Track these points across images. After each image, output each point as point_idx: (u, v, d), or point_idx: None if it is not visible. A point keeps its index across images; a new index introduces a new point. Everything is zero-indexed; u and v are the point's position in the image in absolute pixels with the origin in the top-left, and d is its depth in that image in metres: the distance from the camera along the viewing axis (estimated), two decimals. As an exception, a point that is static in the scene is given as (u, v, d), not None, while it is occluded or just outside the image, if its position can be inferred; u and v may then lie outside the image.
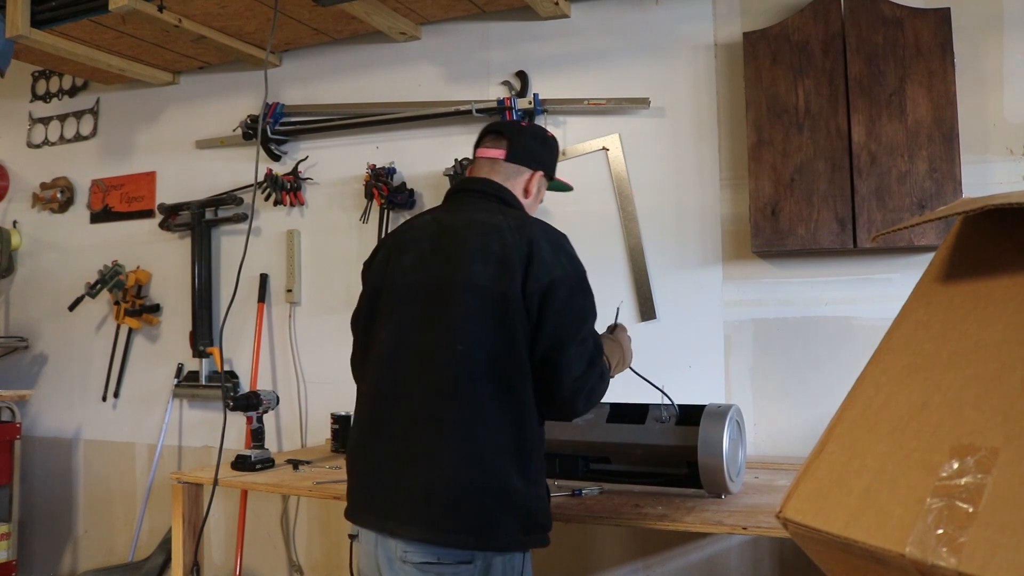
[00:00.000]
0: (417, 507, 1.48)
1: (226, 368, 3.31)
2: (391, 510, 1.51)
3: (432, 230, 1.66)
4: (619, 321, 1.93)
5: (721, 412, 1.90)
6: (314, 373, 3.19)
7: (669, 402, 1.99)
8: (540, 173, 1.78)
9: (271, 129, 3.20)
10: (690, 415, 1.96)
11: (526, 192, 1.76)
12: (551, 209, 2.82)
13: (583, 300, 1.60)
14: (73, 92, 3.81)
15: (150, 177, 3.58)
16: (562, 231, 1.67)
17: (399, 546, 1.49)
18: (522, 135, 1.79)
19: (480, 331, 1.52)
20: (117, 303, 3.49)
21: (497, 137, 1.77)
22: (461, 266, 1.56)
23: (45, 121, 3.88)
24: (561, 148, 2.79)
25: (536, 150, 1.78)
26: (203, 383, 3.33)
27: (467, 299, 1.53)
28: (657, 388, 1.98)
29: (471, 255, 1.56)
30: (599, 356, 1.60)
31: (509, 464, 1.50)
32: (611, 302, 2.72)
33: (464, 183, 1.76)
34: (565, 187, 1.92)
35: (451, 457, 1.48)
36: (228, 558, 3.29)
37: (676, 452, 1.94)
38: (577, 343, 1.54)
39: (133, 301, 3.46)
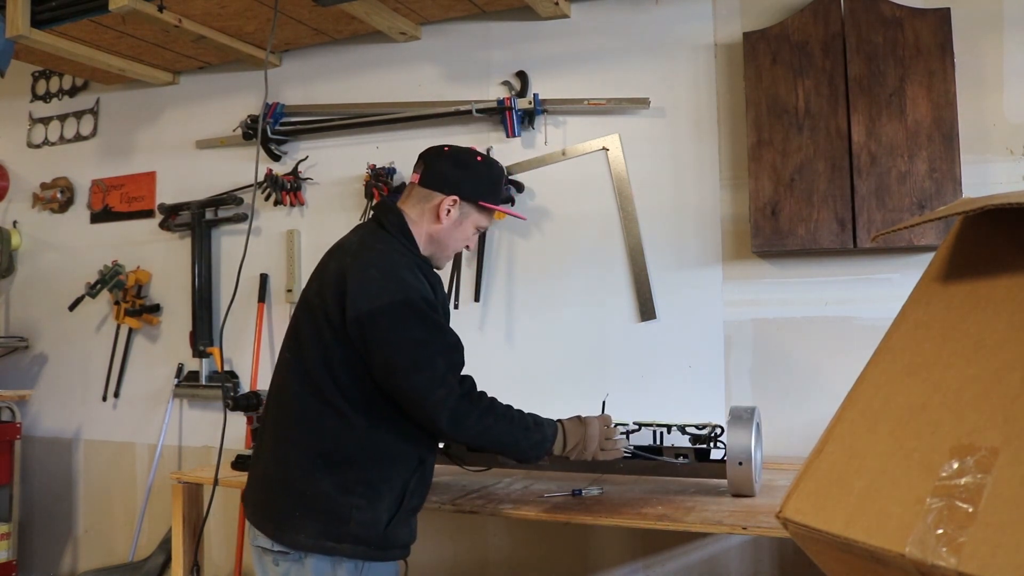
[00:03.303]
0: (251, 494, 1.72)
1: (226, 368, 3.30)
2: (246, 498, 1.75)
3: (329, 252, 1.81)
4: (606, 412, 1.91)
5: (747, 417, 1.92)
6: (314, 373, 3.18)
7: (685, 457, 2.04)
8: (453, 198, 1.72)
9: (271, 129, 3.20)
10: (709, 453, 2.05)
11: (437, 217, 1.73)
12: (550, 209, 2.82)
13: (410, 325, 1.59)
14: (73, 92, 3.81)
15: (150, 177, 3.57)
16: (401, 259, 1.67)
17: (252, 529, 1.69)
18: (438, 159, 1.77)
19: (303, 343, 1.68)
20: (117, 303, 3.49)
21: (419, 162, 1.80)
22: (307, 284, 1.76)
23: (45, 121, 3.87)
24: (561, 148, 2.82)
25: (450, 174, 1.74)
26: (203, 383, 3.33)
27: (301, 314, 1.73)
28: (677, 454, 2.05)
29: (315, 275, 1.75)
30: (453, 377, 1.62)
31: (316, 468, 1.61)
32: (614, 303, 2.74)
33: (375, 205, 1.85)
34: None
35: (267, 453, 1.70)
36: (228, 558, 3.28)
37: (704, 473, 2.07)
38: (417, 370, 1.57)
39: (133, 301, 3.46)
